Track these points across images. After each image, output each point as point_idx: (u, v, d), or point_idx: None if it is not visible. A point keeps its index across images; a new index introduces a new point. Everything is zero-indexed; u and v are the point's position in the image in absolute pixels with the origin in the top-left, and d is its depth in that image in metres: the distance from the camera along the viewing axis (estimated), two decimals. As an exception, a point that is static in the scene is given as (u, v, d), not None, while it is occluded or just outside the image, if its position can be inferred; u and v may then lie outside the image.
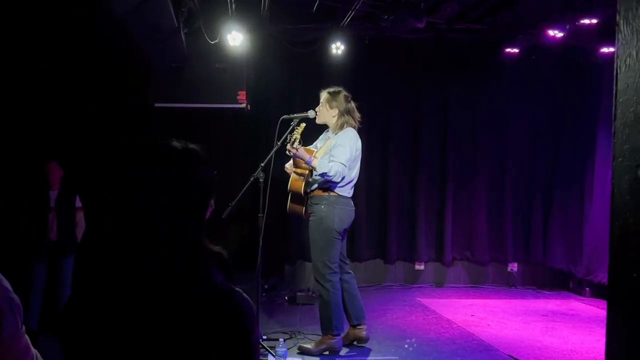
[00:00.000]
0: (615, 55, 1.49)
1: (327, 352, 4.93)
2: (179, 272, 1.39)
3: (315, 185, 4.94)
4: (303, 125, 4.89)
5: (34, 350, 1.92)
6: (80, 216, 5.54)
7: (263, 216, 4.96)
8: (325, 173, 4.73)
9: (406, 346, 5.29)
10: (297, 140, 4.78)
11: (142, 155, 1.44)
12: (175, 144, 1.47)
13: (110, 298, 1.39)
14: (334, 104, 5.00)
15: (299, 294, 6.92)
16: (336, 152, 4.82)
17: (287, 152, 4.81)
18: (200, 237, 1.45)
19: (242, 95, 6.46)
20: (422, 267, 8.00)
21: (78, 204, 5.56)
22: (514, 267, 8.04)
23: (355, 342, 5.18)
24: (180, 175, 1.42)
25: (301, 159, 4.80)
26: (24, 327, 1.89)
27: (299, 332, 5.51)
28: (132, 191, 1.41)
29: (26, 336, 1.90)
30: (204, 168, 1.47)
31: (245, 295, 1.46)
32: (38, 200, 5.53)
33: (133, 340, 1.37)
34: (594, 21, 5.93)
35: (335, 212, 4.88)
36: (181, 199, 1.41)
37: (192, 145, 1.48)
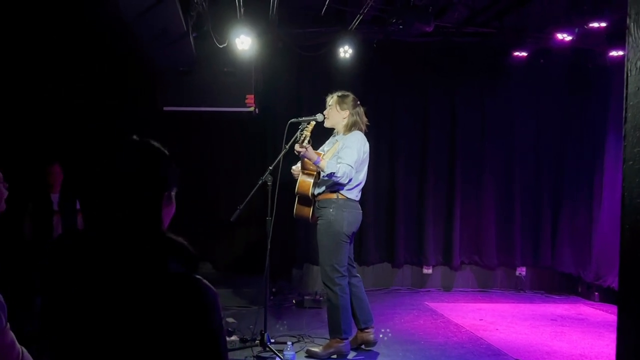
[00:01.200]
0: (626, 59, 1.49)
1: (335, 356, 4.93)
2: (136, 262, 1.42)
3: (324, 188, 4.94)
4: (313, 123, 4.88)
5: (19, 347, 1.94)
6: (80, 219, 5.57)
7: (271, 219, 4.98)
8: (333, 173, 4.73)
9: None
10: (307, 139, 4.77)
11: (100, 149, 1.49)
12: (134, 138, 1.52)
13: (72, 290, 1.43)
14: (344, 106, 5.01)
15: (306, 297, 6.91)
16: (343, 154, 4.82)
17: (295, 151, 4.80)
18: (158, 228, 1.48)
19: (250, 98, 6.48)
20: (430, 271, 7.98)
21: (78, 206, 5.59)
22: (522, 271, 8.01)
23: (362, 346, 5.17)
24: (135, 168, 1.47)
25: (309, 159, 4.80)
26: (8, 324, 1.91)
27: (307, 335, 5.51)
28: (90, 184, 1.47)
29: (11, 333, 1.92)
30: (160, 163, 1.51)
31: (205, 282, 1.47)
32: (41, 203, 5.56)
33: (94, 329, 1.41)
34: (603, 24, 5.90)
35: (344, 216, 4.87)
36: (136, 191, 1.45)
37: (151, 141, 1.52)
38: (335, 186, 4.88)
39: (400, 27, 5.97)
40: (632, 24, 1.45)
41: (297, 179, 5.04)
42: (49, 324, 1.47)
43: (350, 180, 4.84)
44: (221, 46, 6.00)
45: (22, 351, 1.94)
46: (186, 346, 1.40)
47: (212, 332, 1.44)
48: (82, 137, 6.22)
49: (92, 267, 1.42)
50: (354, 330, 5.13)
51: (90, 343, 1.41)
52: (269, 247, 4.97)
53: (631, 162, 1.42)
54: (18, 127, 6.18)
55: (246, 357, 4.86)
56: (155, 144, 1.54)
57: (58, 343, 1.45)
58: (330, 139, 5.21)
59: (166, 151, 1.55)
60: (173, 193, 1.53)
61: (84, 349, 1.42)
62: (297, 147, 4.76)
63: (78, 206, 5.47)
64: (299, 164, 5.11)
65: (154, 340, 1.39)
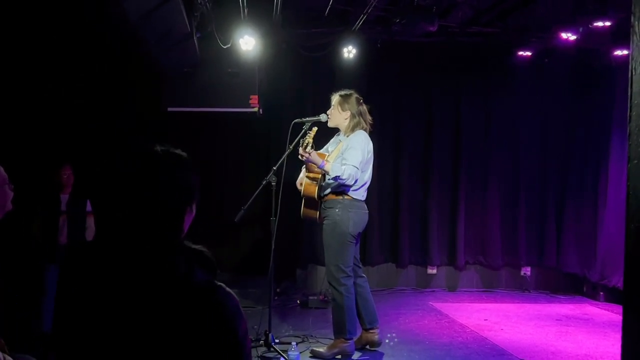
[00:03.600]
0: (630, 57, 1.48)
1: (339, 356, 4.92)
2: (158, 273, 1.41)
3: (329, 189, 4.94)
4: (315, 129, 4.89)
5: (2, 355, 1.93)
6: (91, 220, 5.58)
7: (275, 220, 4.98)
8: (339, 176, 4.73)
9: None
10: (310, 145, 4.77)
11: (123, 158, 1.47)
12: (158, 148, 1.49)
13: (94, 299, 1.41)
14: (346, 106, 5.00)
15: (311, 297, 6.91)
16: (348, 155, 4.82)
17: (299, 156, 4.81)
18: (178, 238, 1.47)
19: (254, 99, 6.48)
20: (434, 271, 7.97)
21: (89, 207, 5.61)
22: (527, 271, 8.00)
23: (367, 346, 5.17)
24: (156, 178, 1.45)
25: (314, 163, 4.80)
26: None
27: (311, 335, 5.51)
28: (112, 193, 1.44)
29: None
30: (183, 172, 1.49)
31: (228, 290, 1.47)
32: (49, 204, 5.58)
33: (116, 340, 1.39)
34: (608, 24, 5.89)
35: (350, 216, 4.88)
36: (158, 201, 1.43)
37: (175, 150, 1.51)
38: (341, 187, 4.88)
39: (404, 26, 5.96)
40: (636, 22, 1.44)
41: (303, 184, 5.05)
42: (67, 334, 1.44)
43: (356, 181, 4.84)
44: (225, 47, 6.01)
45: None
46: (213, 356, 1.40)
47: (238, 344, 1.44)
48: (94, 140, 6.24)
49: (117, 276, 1.41)
50: (359, 331, 5.13)
51: (113, 353, 1.39)
52: (273, 247, 4.97)
53: (636, 161, 1.42)
54: (27, 129, 6.21)
55: (251, 357, 4.85)
56: (183, 155, 1.52)
57: (76, 352, 1.43)
58: (334, 138, 5.21)
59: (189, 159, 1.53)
60: (194, 204, 1.52)
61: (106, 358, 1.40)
62: (300, 151, 4.76)
63: (88, 208, 5.47)
64: (301, 174, 5.11)
65: (180, 350, 1.38)
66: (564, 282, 7.95)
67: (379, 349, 5.18)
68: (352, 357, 4.97)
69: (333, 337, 5.01)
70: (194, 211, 1.52)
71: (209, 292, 1.43)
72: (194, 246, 1.48)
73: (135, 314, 1.39)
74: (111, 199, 1.44)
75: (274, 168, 4.95)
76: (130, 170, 1.45)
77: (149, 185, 1.43)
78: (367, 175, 5.00)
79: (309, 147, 4.75)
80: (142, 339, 1.38)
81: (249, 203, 4.92)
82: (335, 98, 5.07)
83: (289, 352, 4.65)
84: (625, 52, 6.62)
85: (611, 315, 6.67)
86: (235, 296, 1.48)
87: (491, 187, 7.90)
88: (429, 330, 5.98)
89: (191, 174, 1.51)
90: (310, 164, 4.88)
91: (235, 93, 6.44)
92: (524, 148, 7.93)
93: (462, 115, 7.86)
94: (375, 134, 5.18)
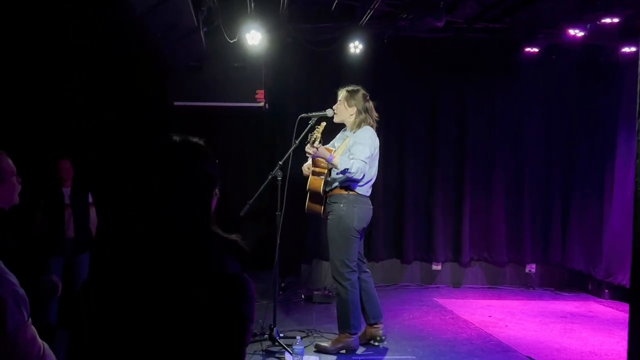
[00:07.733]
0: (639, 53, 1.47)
1: (343, 351, 4.93)
2: (181, 259, 1.44)
3: (335, 184, 4.94)
4: (323, 124, 4.89)
5: (41, 342, 1.94)
6: (93, 212, 5.60)
7: (280, 214, 4.98)
8: (347, 169, 4.73)
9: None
10: (318, 140, 4.77)
11: (148, 149, 1.51)
12: (178, 138, 1.55)
13: (122, 284, 1.44)
14: (353, 102, 5.00)
15: (315, 292, 6.91)
16: (356, 150, 4.82)
17: (306, 153, 4.81)
18: (208, 225, 1.52)
19: (260, 94, 6.48)
20: (439, 267, 7.96)
21: (90, 199, 5.62)
22: (532, 268, 7.98)
23: (371, 341, 5.18)
24: (186, 166, 1.50)
25: (322, 157, 4.80)
26: (30, 319, 1.90)
27: (316, 330, 5.52)
28: (141, 184, 1.48)
29: (32, 328, 1.91)
30: (207, 160, 1.55)
31: (246, 277, 1.51)
32: (53, 198, 5.59)
33: (140, 321, 1.42)
34: (616, 20, 5.86)
35: (354, 211, 4.88)
36: (188, 189, 1.49)
37: (194, 139, 1.57)
38: (346, 182, 4.88)
39: (411, 22, 5.95)
40: (646, 18, 1.44)
41: (308, 176, 5.04)
42: (88, 310, 1.46)
43: (363, 176, 4.84)
44: (231, 41, 6.00)
45: (43, 347, 1.94)
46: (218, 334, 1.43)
47: (245, 328, 1.48)
48: (98, 135, 6.24)
49: (144, 262, 1.44)
50: (363, 326, 5.13)
51: (134, 336, 1.42)
52: (278, 242, 4.98)
53: (644, 158, 1.41)
54: (29, 123, 6.22)
55: (255, 351, 4.87)
56: (203, 143, 1.56)
57: (93, 331, 1.45)
58: (340, 134, 5.21)
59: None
60: (217, 189, 1.57)
61: (127, 342, 1.43)
62: (307, 148, 4.76)
63: (90, 200, 5.45)
64: (309, 161, 5.11)
65: (194, 331, 1.41)
66: (569, 279, 7.94)
67: (383, 344, 5.18)
68: (357, 352, 4.98)
69: (337, 332, 5.02)
70: (218, 194, 1.57)
71: (229, 280, 1.47)
72: (226, 235, 1.53)
73: (159, 299, 1.41)
74: (139, 191, 1.47)
75: (280, 163, 4.96)
76: (154, 161, 1.49)
77: (177, 175, 1.48)
78: (373, 171, 5.00)
79: (316, 142, 4.75)
80: (164, 321, 1.41)
81: (254, 197, 4.93)
82: (341, 93, 5.07)
83: (293, 347, 4.65)
84: (633, 49, 6.58)
85: (616, 313, 6.65)
86: (252, 285, 1.51)
87: (496, 183, 7.89)
88: (433, 326, 5.98)
89: (213, 158, 1.56)
90: (317, 158, 4.87)
91: (242, 88, 6.45)
92: (529, 145, 7.90)
93: (468, 111, 7.84)
94: (380, 130, 5.17)
